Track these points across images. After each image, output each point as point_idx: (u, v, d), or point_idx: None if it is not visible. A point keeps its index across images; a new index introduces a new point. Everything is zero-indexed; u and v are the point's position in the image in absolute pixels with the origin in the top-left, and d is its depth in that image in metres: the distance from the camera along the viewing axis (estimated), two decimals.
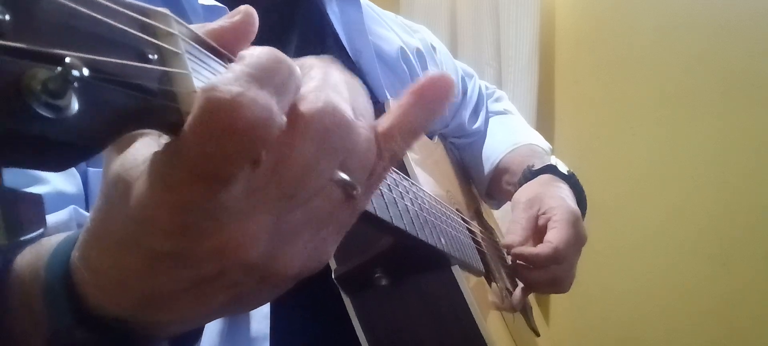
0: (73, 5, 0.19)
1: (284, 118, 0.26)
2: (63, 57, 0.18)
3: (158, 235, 0.26)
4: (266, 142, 0.25)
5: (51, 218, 0.45)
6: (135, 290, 0.29)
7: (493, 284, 0.82)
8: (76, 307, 0.31)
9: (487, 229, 0.98)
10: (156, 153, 0.25)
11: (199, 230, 0.26)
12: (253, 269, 0.28)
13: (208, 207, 0.25)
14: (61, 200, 0.49)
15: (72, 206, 0.47)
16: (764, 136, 1.44)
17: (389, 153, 0.32)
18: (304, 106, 0.27)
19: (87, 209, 0.50)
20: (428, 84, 0.32)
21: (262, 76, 0.25)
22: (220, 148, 0.24)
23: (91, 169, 0.53)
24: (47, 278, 0.32)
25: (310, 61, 0.30)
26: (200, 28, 0.28)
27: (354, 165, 0.29)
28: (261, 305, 0.34)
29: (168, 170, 0.24)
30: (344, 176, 0.29)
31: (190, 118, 0.23)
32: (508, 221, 0.87)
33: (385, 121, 0.32)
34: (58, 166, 0.20)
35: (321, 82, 0.29)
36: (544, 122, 1.71)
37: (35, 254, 0.36)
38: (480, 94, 1.11)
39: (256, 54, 0.25)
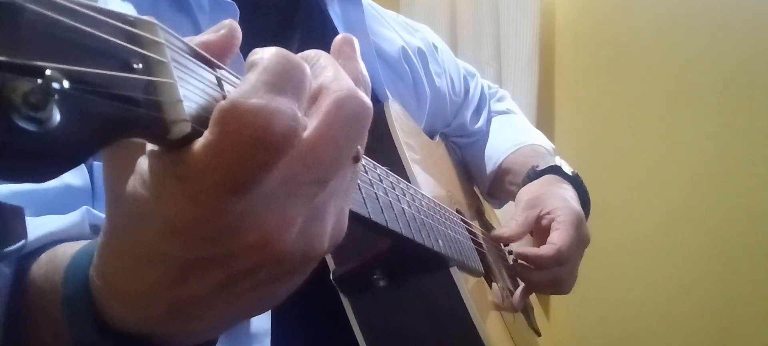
0: (57, 16, 0.18)
1: (306, 121, 0.27)
2: (43, 69, 0.17)
3: (192, 244, 0.26)
4: (293, 145, 0.25)
5: (64, 219, 0.46)
6: (163, 302, 0.29)
7: (494, 285, 0.82)
8: (99, 322, 0.31)
9: (489, 229, 0.98)
10: (176, 170, 0.25)
11: (237, 231, 0.26)
12: (288, 256, 0.28)
13: (245, 207, 0.25)
14: (69, 193, 0.49)
15: (84, 208, 0.47)
16: (763, 135, 1.43)
17: None
18: (330, 96, 0.28)
19: (92, 202, 0.51)
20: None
21: (280, 82, 0.25)
22: (249, 162, 0.24)
23: (96, 163, 0.53)
24: (66, 292, 0.32)
25: (313, 52, 0.31)
26: (187, 41, 0.28)
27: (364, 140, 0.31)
28: (286, 295, 0.34)
29: (196, 188, 0.24)
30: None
31: (213, 136, 0.24)
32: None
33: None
34: (40, 178, 0.20)
35: (336, 72, 0.30)
36: (544, 122, 1.70)
37: (51, 264, 0.36)
38: (482, 93, 1.10)
39: (266, 58, 0.26)
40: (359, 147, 0.31)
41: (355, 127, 0.29)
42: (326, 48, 0.91)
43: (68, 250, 0.36)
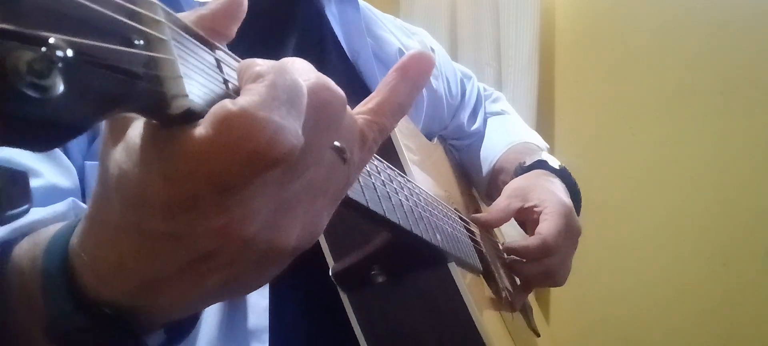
0: None
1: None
2: (47, 38, 0.18)
3: (159, 218, 0.26)
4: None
5: (50, 209, 0.46)
6: (133, 273, 0.29)
7: (493, 284, 0.82)
8: (75, 293, 0.31)
9: (487, 229, 0.98)
10: (165, 146, 0.25)
11: (204, 214, 0.26)
12: (251, 243, 0.28)
13: (217, 198, 0.26)
14: (55, 193, 0.49)
15: (71, 198, 0.48)
16: (764, 136, 1.43)
17: (378, 126, 0.34)
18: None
19: (84, 202, 0.50)
20: (411, 61, 0.35)
21: (287, 99, 0.26)
22: (246, 170, 0.25)
23: (88, 162, 0.53)
24: (46, 265, 0.33)
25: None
26: (191, 14, 0.29)
27: (344, 133, 0.31)
28: (257, 286, 0.34)
29: (174, 170, 0.25)
30: (336, 142, 0.31)
31: (214, 134, 0.24)
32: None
33: (374, 97, 0.35)
34: (43, 145, 0.21)
35: (308, 65, 0.30)
36: (544, 122, 1.70)
37: (33, 243, 0.36)
38: (478, 95, 1.11)
39: (274, 73, 0.26)
40: (339, 144, 0.31)
41: (328, 117, 0.29)
42: (323, 50, 0.90)
43: (51, 229, 0.36)
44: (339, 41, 0.82)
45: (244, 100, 0.24)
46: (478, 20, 1.74)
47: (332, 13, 0.82)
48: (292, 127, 0.25)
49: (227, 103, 0.24)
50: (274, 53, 0.76)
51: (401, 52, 0.90)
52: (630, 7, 1.63)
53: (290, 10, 0.77)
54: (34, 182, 0.48)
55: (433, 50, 1.02)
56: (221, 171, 0.24)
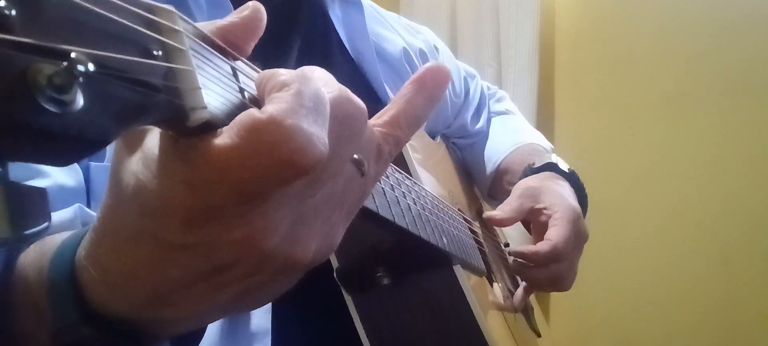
0: (79, 1, 0.19)
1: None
2: (68, 52, 0.18)
3: (178, 229, 0.26)
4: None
5: (55, 216, 0.45)
6: (145, 286, 0.29)
7: (495, 285, 0.82)
8: (82, 305, 0.31)
9: (489, 230, 0.98)
10: (186, 153, 0.25)
11: (225, 225, 0.26)
12: (270, 256, 0.28)
13: (239, 209, 0.25)
14: (62, 193, 0.49)
15: (77, 205, 0.47)
16: (764, 136, 1.43)
17: (394, 139, 0.34)
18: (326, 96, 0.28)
19: (88, 203, 0.50)
20: (427, 73, 0.35)
21: (313, 108, 0.25)
22: (272, 178, 0.24)
23: (93, 163, 0.53)
24: (52, 276, 0.32)
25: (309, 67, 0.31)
26: (209, 25, 0.28)
27: (364, 146, 0.31)
28: (267, 301, 0.34)
29: (198, 177, 0.24)
30: (355, 155, 0.31)
31: (241, 141, 0.24)
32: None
33: (390, 109, 0.34)
34: (62, 160, 0.20)
35: (329, 75, 0.30)
36: (544, 122, 1.70)
37: (39, 252, 0.36)
38: (482, 94, 1.11)
39: (298, 82, 0.26)
40: (358, 156, 0.31)
41: (351, 129, 0.29)
42: (327, 51, 0.89)
43: (57, 238, 0.36)
44: (343, 43, 0.81)
45: (272, 108, 0.24)
46: (478, 20, 1.75)
47: (336, 15, 0.82)
48: (320, 135, 0.25)
49: (254, 112, 0.24)
50: (279, 55, 0.76)
51: (406, 52, 0.90)
52: (630, 7, 1.63)
53: (294, 12, 0.77)
54: (42, 182, 0.47)
55: (436, 49, 1.02)
56: (247, 179, 0.24)
